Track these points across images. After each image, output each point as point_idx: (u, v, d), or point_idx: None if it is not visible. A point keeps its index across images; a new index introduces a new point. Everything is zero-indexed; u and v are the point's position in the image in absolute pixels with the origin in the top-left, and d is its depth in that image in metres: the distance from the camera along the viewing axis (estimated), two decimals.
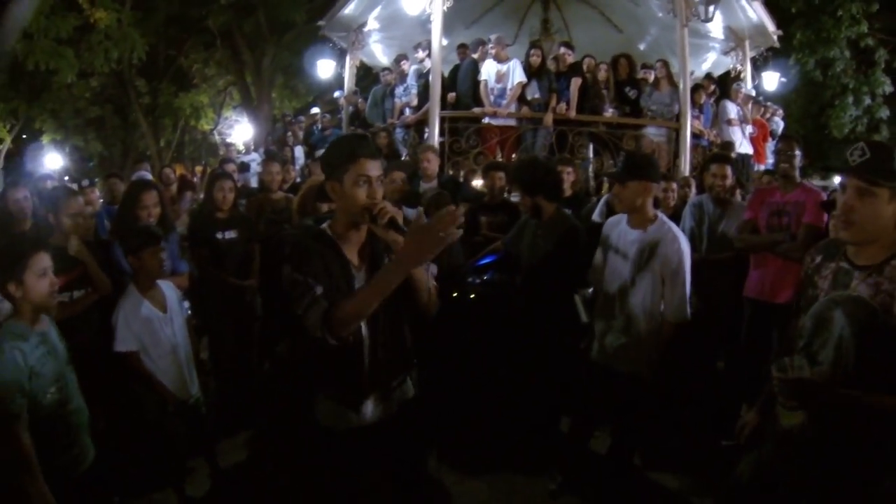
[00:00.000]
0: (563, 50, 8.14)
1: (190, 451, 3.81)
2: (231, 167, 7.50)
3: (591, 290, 4.33)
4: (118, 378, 3.48)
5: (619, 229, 3.58)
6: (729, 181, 5.00)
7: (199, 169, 20.14)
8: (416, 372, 2.52)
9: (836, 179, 2.17)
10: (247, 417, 4.76)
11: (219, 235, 4.84)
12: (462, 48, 8.73)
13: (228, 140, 16.16)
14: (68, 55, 12.43)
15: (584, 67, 8.23)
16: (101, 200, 7.65)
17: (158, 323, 3.43)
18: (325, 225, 2.29)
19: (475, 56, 8.19)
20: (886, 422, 1.90)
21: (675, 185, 5.52)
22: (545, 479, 3.96)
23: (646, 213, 3.46)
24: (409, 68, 8.79)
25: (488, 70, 7.83)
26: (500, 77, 7.72)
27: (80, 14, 12.95)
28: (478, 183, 7.11)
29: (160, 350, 3.43)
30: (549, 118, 7.65)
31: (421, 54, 8.40)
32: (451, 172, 7.46)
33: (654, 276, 3.40)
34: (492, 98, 7.78)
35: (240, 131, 20.12)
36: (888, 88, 15.32)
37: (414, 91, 8.51)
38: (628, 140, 7.86)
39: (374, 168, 2.14)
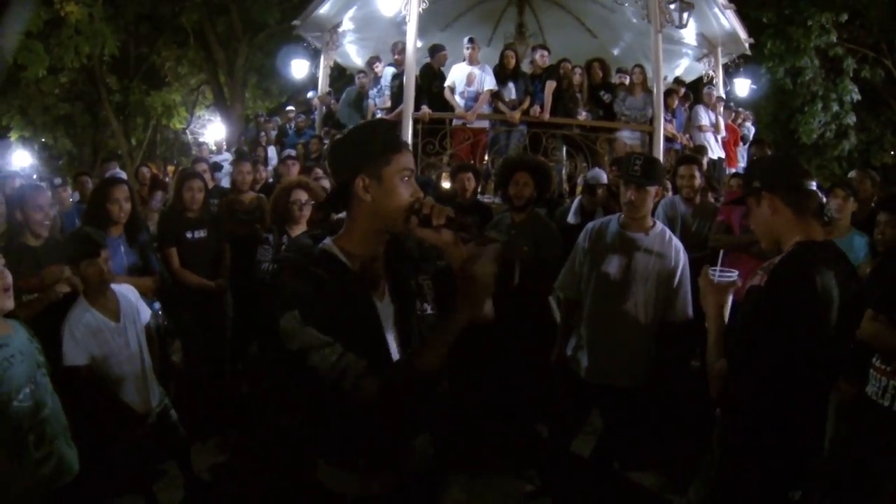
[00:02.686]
0: (538, 53, 8.16)
1: (162, 455, 3.73)
2: (202, 167, 7.39)
3: None
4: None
5: (613, 234, 3.40)
6: (697, 181, 5.09)
7: (171, 169, 19.81)
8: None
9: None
10: (220, 420, 4.69)
11: (188, 235, 4.81)
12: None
13: (201, 139, 15.90)
14: (38, 50, 12.17)
15: (561, 71, 8.26)
16: (73, 199, 7.52)
17: (109, 333, 3.24)
18: (327, 243, 1.79)
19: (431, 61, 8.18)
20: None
21: None
22: (522, 480, 3.96)
23: (648, 218, 3.39)
24: (383, 70, 8.74)
25: (458, 73, 7.81)
26: (471, 80, 7.70)
27: (50, 8, 12.69)
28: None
29: (113, 360, 3.24)
30: (516, 115, 7.64)
31: (398, 56, 8.35)
32: (424, 174, 7.43)
33: (658, 282, 3.30)
34: (462, 102, 7.76)
35: (212, 131, 19.86)
36: (856, 96, 15.75)
37: (387, 93, 8.46)
38: (602, 143, 7.91)
39: (413, 163, 1.76)
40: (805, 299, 2.03)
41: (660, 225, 3.43)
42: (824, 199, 5.13)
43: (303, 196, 4.46)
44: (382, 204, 1.70)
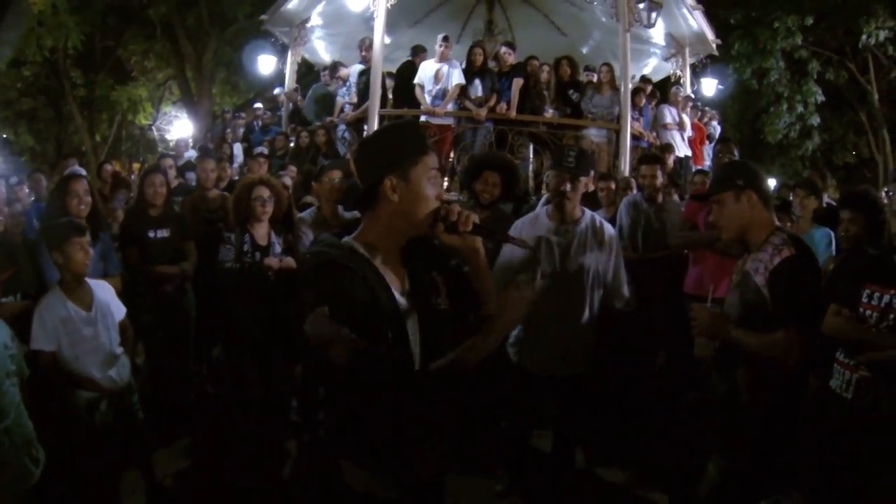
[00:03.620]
0: (503, 49, 8.15)
1: (124, 461, 3.63)
2: (168, 162, 7.25)
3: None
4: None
5: (545, 226, 3.44)
6: (659, 181, 5.12)
7: (136, 166, 19.48)
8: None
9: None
10: (184, 423, 4.59)
11: (150, 234, 4.73)
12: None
13: (167, 136, 15.65)
14: None
15: (528, 69, 8.27)
16: (31, 198, 7.32)
17: (80, 322, 3.25)
18: (349, 240, 1.78)
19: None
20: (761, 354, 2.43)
21: (613, 185, 5.58)
22: (491, 479, 3.95)
23: (578, 208, 3.45)
24: (351, 68, 8.70)
25: (426, 70, 7.78)
26: (439, 77, 7.67)
27: None
28: None
29: (79, 349, 3.24)
30: (482, 112, 7.62)
31: (366, 52, 8.29)
32: None
33: (595, 270, 3.40)
34: (429, 99, 7.73)
35: (179, 127, 19.57)
36: (819, 97, 16.10)
37: (354, 90, 8.41)
38: (569, 140, 7.93)
39: (437, 163, 1.78)
40: (818, 284, 2.52)
41: (588, 213, 3.49)
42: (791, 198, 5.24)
43: (265, 193, 4.38)
44: (410, 205, 1.72)
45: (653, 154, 5.82)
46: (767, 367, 2.43)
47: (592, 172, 3.55)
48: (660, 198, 5.16)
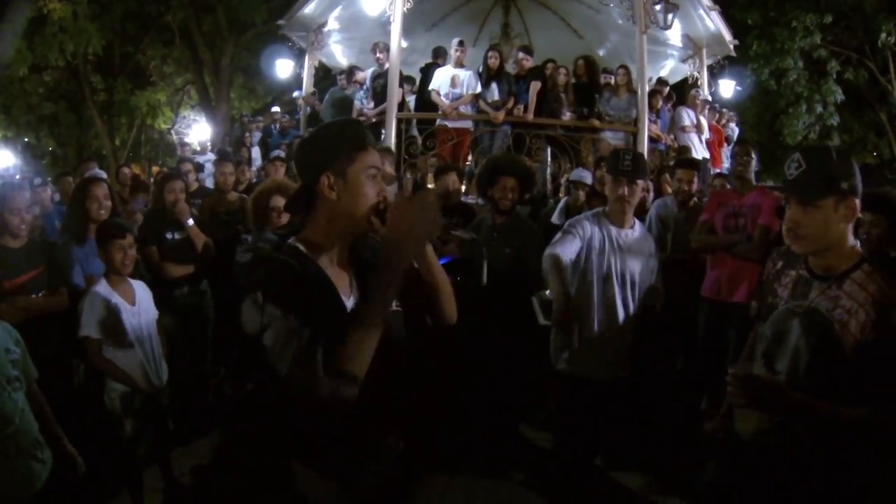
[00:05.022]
0: (521, 55, 8.15)
1: (147, 459, 3.68)
2: (187, 166, 7.33)
3: (548, 291, 4.32)
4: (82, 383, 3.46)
5: (603, 228, 3.42)
6: (695, 186, 5.14)
7: (155, 169, 19.69)
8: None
9: None
10: (202, 425, 4.65)
11: (169, 236, 4.79)
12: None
13: (186, 140, 15.80)
14: (21, 48, 12.02)
15: (548, 72, 8.26)
16: (55, 200, 7.44)
17: (126, 314, 3.42)
18: (292, 241, 1.75)
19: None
20: (842, 434, 1.92)
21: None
22: (507, 481, 3.96)
23: (631, 214, 3.48)
24: (367, 72, 8.73)
25: (443, 75, 7.79)
26: (456, 82, 7.68)
27: (34, 5, 12.54)
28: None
29: (123, 339, 3.40)
30: (500, 115, 7.62)
31: (380, 55, 8.32)
32: (408, 175, 7.41)
33: (641, 277, 3.43)
34: (446, 104, 7.72)
35: (197, 131, 19.74)
36: (839, 97, 15.86)
37: (370, 94, 8.47)
38: (586, 143, 7.92)
39: (380, 160, 1.75)
40: None
41: (637, 221, 3.52)
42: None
43: (280, 202, 4.37)
44: (348, 202, 1.69)
45: (690, 159, 5.82)
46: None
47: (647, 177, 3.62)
48: (692, 203, 5.18)
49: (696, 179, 5.19)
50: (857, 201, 1.94)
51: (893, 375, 1.83)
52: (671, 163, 7.17)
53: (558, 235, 3.45)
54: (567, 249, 3.32)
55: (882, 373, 1.84)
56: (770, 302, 2.19)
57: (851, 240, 1.99)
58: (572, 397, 3.59)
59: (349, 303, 1.74)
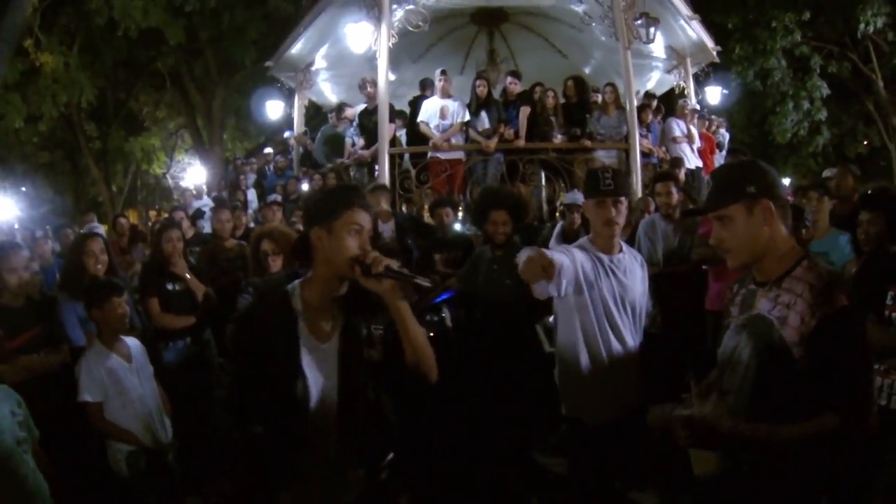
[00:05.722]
0: (509, 80, 8.23)
1: None
2: (179, 215, 7.39)
3: (552, 318, 4.32)
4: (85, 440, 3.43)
5: (593, 258, 3.02)
6: (675, 198, 5.15)
7: (153, 214, 19.79)
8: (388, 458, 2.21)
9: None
10: (211, 469, 4.64)
11: (169, 287, 4.78)
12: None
13: (182, 184, 15.91)
14: (15, 101, 12.17)
15: (536, 96, 8.33)
16: (55, 251, 7.47)
17: (124, 372, 3.41)
18: (296, 283, 2.11)
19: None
20: (788, 455, 1.85)
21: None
22: None
23: (619, 237, 3.16)
24: (356, 108, 8.82)
25: (432, 106, 7.87)
26: (444, 113, 7.76)
27: (25, 59, 12.71)
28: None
29: (125, 399, 3.39)
30: (492, 143, 7.67)
31: (371, 90, 8.39)
32: (404, 209, 7.46)
33: (638, 297, 3.12)
34: (437, 135, 7.78)
35: (193, 174, 19.85)
36: (825, 91, 16.02)
37: (359, 131, 8.55)
38: (579, 164, 7.97)
39: (366, 219, 2.03)
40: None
41: (623, 244, 3.21)
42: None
43: (268, 246, 4.32)
44: (332, 252, 1.99)
45: (664, 172, 5.83)
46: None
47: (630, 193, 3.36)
48: (676, 214, 5.20)
49: (674, 190, 5.17)
50: (771, 202, 1.91)
51: (839, 355, 1.77)
52: None
53: None
54: (553, 254, 2.90)
55: (826, 354, 1.76)
56: (724, 325, 2.16)
57: (785, 241, 1.96)
58: (582, 443, 3.27)
59: (327, 345, 2.04)
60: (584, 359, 3.06)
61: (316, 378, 2.02)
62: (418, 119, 7.89)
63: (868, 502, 2.00)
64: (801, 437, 1.78)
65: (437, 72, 7.95)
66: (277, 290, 2.12)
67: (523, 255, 2.72)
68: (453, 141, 7.80)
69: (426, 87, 8.46)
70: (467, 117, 7.78)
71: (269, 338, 2.00)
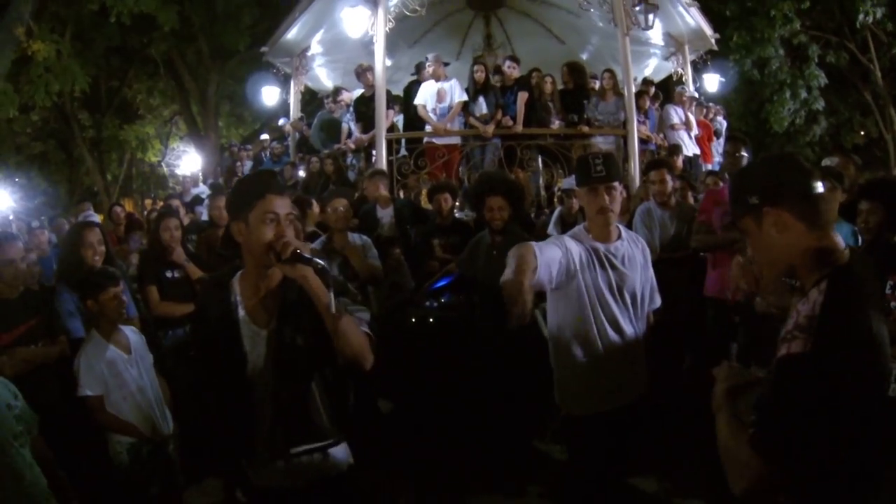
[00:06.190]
0: (507, 64, 8.18)
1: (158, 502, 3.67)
2: (175, 202, 7.33)
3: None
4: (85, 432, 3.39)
5: (587, 247, 2.93)
6: (669, 185, 5.12)
7: (148, 202, 19.70)
8: (343, 445, 2.24)
9: None
10: (214, 463, 4.61)
11: (168, 275, 4.75)
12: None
13: (177, 171, 15.83)
14: (7, 91, 12.03)
15: (533, 81, 8.29)
16: (52, 242, 7.43)
17: (123, 364, 3.37)
18: (237, 275, 2.19)
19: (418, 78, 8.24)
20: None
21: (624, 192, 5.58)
22: (524, 497, 3.95)
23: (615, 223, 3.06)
24: (353, 93, 8.76)
25: (427, 90, 7.82)
26: (442, 96, 7.71)
27: (17, 47, 12.57)
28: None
29: (125, 391, 3.35)
30: (489, 129, 7.64)
31: (369, 75, 8.32)
32: (401, 194, 7.42)
33: (641, 288, 3.06)
34: (435, 119, 7.76)
35: (188, 162, 19.76)
36: (823, 80, 16.00)
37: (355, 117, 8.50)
38: (577, 150, 7.94)
39: (281, 205, 2.06)
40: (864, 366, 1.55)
41: (622, 228, 3.13)
42: None
43: None
44: (249, 242, 2.05)
45: (658, 159, 5.80)
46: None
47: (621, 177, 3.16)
48: (672, 201, 5.16)
49: (668, 177, 5.11)
50: (780, 207, 1.66)
51: (786, 400, 1.54)
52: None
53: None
54: (543, 246, 2.82)
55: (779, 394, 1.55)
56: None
57: (810, 249, 1.68)
58: (578, 433, 3.18)
59: (262, 333, 2.11)
60: (576, 350, 2.98)
61: (256, 362, 2.11)
62: (416, 101, 7.86)
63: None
64: (724, 447, 1.70)
65: (431, 57, 7.91)
66: (221, 282, 2.20)
67: (505, 275, 2.55)
68: (450, 126, 7.76)
69: (420, 70, 8.38)
70: (465, 97, 7.74)
71: (214, 326, 2.13)
